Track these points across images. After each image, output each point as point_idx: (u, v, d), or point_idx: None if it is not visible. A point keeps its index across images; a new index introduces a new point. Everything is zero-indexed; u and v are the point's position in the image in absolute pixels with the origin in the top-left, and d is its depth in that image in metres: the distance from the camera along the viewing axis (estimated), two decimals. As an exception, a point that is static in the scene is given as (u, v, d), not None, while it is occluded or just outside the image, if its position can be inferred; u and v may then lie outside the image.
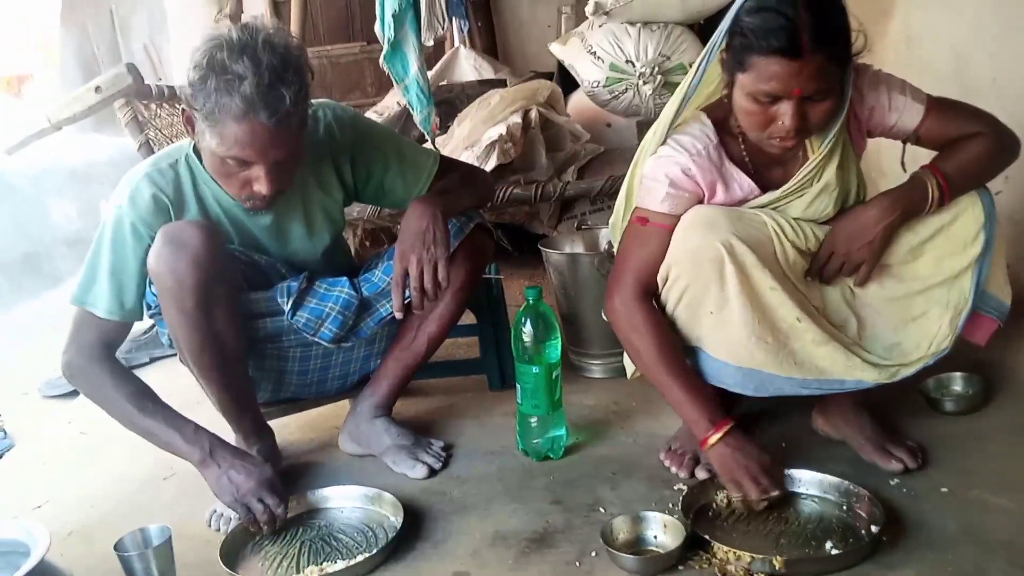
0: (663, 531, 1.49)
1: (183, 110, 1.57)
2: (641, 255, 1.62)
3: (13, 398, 2.72)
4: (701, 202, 1.59)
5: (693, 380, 1.59)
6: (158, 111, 2.70)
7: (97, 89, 2.54)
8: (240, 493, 1.60)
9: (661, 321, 1.62)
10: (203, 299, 1.60)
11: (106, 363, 1.68)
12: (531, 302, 1.79)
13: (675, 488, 1.65)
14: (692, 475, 1.68)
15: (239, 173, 1.56)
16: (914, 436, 1.74)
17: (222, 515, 1.68)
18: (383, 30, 2.45)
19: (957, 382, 1.92)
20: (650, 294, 1.63)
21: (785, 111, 1.43)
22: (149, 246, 1.62)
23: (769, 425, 1.87)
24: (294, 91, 1.49)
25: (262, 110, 1.46)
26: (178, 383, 2.43)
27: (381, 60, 2.52)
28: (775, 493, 1.49)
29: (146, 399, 1.68)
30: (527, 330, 1.77)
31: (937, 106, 1.57)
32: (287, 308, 1.74)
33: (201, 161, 1.66)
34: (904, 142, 1.62)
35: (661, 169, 1.58)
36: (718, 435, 1.53)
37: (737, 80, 1.47)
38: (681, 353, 1.62)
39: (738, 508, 1.54)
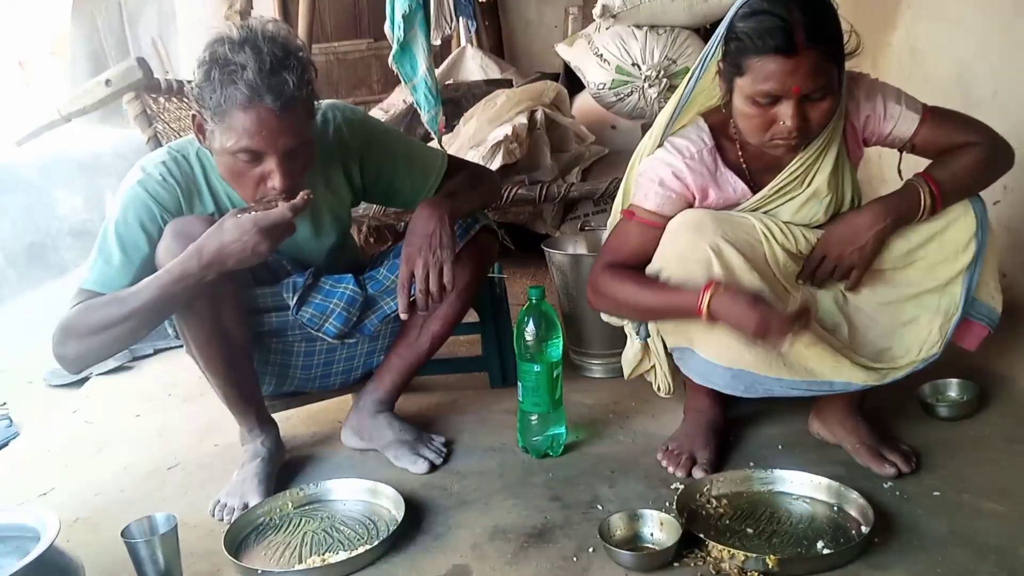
0: (659, 529, 1.51)
1: (193, 116, 1.58)
2: (619, 245, 1.66)
3: (19, 387, 2.74)
4: (691, 205, 1.62)
5: (670, 288, 1.58)
6: (167, 105, 2.72)
7: (107, 83, 2.56)
8: (238, 236, 1.50)
9: (626, 271, 1.64)
10: (210, 293, 1.62)
11: (86, 305, 1.58)
12: (534, 301, 1.81)
13: (672, 487, 1.67)
14: (689, 474, 1.70)
15: (252, 170, 1.56)
16: (908, 441, 1.76)
17: (226, 505, 1.71)
18: (393, 30, 2.47)
19: (952, 388, 1.95)
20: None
21: (785, 111, 1.45)
22: (158, 228, 1.62)
23: (765, 427, 1.89)
24: (297, 75, 1.51)
25: (267, 94, 1.48)
26: (182, 375, 2.47)
27: (390, 60, 2.54)
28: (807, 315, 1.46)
29: (128, 291, 1.56)
30: (529, 329, 1.80)
31: (933, 115, 1.59)
32: (292, 303, 1.77)
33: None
34: (900, 150, 1.65)
35: (654, 168, 1.62)
36: (708, 295, 1.50)
37: (736, 86, 1.49)
38: (652, 280, 1.62)
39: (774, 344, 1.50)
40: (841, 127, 1.59)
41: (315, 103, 1.62)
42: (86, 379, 2.65)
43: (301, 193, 1.54)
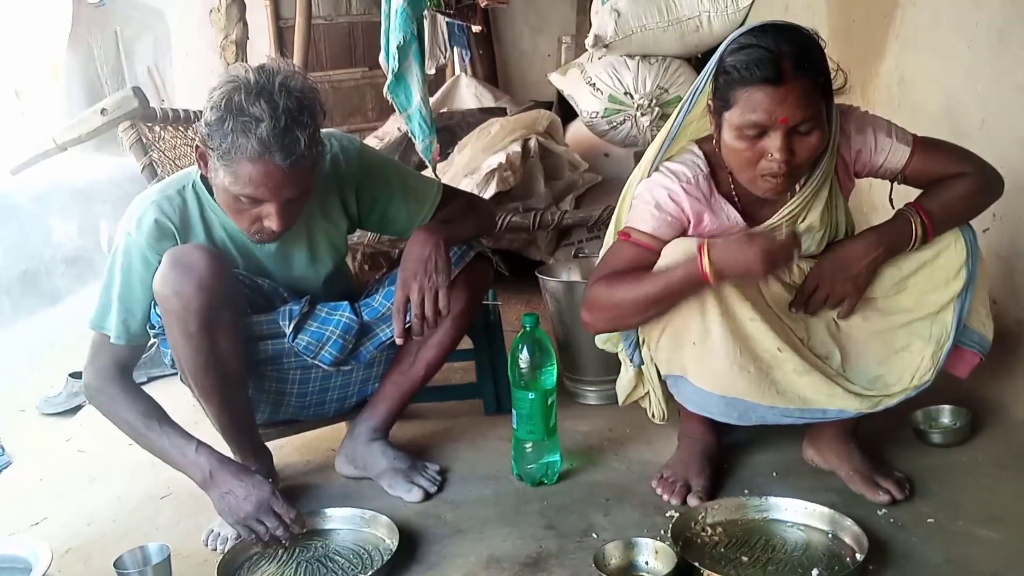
0: (654, 557, 1.51)
1: (196, 147, 1.60)
2: (613, 262, 1.65)
3: (11, 415, 2.73)
4: (685, 230, 1.62)
5: (662, 270, 1.56)
6: (162, 133, 2.74)
7: (103, 111, 2.58)
8: (240, 516, 1.62)
9: (617, 275, 1.61)
10: (207, 322, 1.63)
11: (119, 383, 1.72)
12: (528, 329, 1.82)
13: (667, 515, 1.67)
14: (684, 502, 1.70)
15: (250, 210, 1.59)
16: (902, 467, 1.76)
17: (219, 535, 1.70)
18: (388, 61, 2.50)
19: (945, 415, 1.95)
20: None
21: (773, 144, 1.46)
22: (155, 269, 1.65)
23: (760, 454, 1.89)
24: (309, 134, 1.53)
25: (277, 152, 1.49)
26: (177, 403, 2.44)
27: (385, 90, 2.57)
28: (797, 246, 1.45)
29: (154, 418, 1.71)
30: (524, 356, 1.80)
31: (923, 146, 1.61)
32: (288, 331, 1.77)
33: (208, 189, 1.69)
34: (892, 181, 1.67)
35: (650, 191, 1.63)
36: (705, 255, 1.48)
37: (724, 120, 1.50)
38: (643, 272, 1.59)
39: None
40: (834, 165, 1.60)
41: (323, 151, 1.65)
42: (79, 407, 2.64)
43: (279, 532, 1.63)
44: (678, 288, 1.54)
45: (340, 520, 1.74)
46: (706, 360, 1.59)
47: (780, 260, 1.46)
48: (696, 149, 1.65)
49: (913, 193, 1.64)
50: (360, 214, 1.87)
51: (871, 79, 2.67)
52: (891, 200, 1.68)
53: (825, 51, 1.50)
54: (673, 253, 1.56)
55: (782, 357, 1.57)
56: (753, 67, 1.44)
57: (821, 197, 1.60)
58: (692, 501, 1.69)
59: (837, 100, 1.55)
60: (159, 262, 1.64)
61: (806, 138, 1.47)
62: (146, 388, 2.66)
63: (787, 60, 1.42)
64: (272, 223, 1.59)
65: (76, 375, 2.74)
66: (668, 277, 1.54)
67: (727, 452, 1.88)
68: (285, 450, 2.09)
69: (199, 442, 1.70)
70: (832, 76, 1.50)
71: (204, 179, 1.70)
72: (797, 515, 1.62)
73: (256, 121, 1.49)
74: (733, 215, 1.62)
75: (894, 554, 1.49)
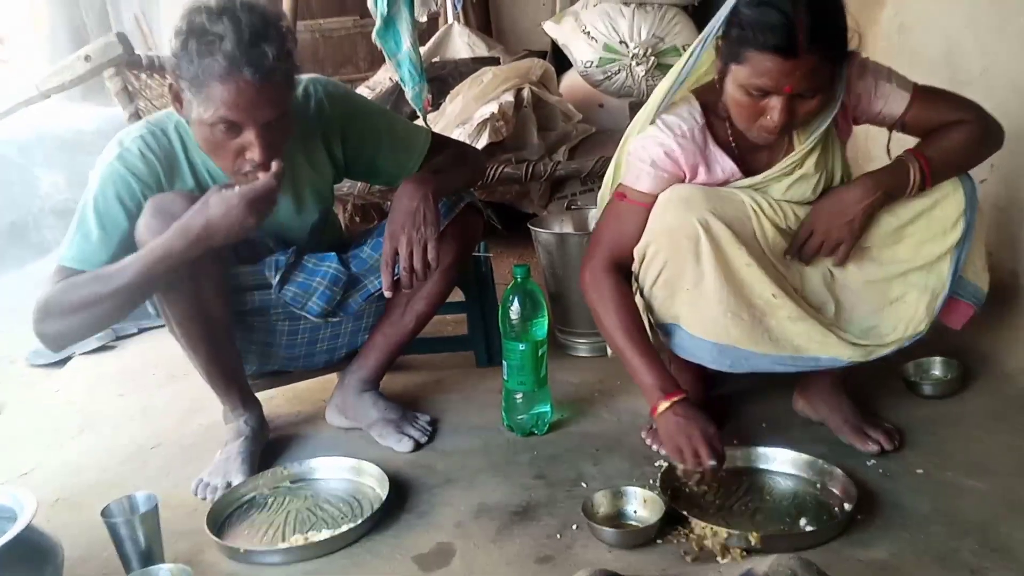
0: (643, 506, 1.51)
1: (170, 85, 1.54)
2: (614, 229, 1.66)
3: (1, 366, 2.72)
4: (681, 181, 1.61)
5: (650, 350, 1.62)
6: (148, 81, 2.68)
7: (87, 58, 2.52)
8: (226, 214, 1.49)
9: (626, 292, 1.65)
10: (191, 270, 1.60)
11: (66, 281, 1.56)
12: (519, 280, 1.80)
13: (655, 464, 1.68)
14: (673, 452, 1.71)
15: (230, 142, 1.53)
16: (892, 419, 1.77)
17: (208, 484, 1.70)
18: (376, 5, 2.44)
19: (936, 366, 1.96)
20: (620, 267, 1.66)
21: (774, 106, 1.46)
22: (138, 204, 1.59)
23: (750, 405, 1.89)
24: (276, 47, 1.48)
25: (245, 66, 1.45)
26: (166, 354, 2.45)
27: (373, 35, 2.51)
28: (710, 463, 1.50)
29: (110, 269, 1.54)
30: (514, 308, 1.79)
31: (922, 94, 1.58)
32: (275, 282, 1.75)
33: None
34: (890, 129, 1.64)
35: (645, 148, 1.61)
36: (667, 404, 1.56)
37: (731, 70, 1.48)
38: (642, 325, 1.65)
39: (682, 477, 1.57)
40: (834, 115, 1.58)
41: (295, 75, 1.59)
42: (68, 359, 2.63)
43: (274, 162, 1.52)
44: (637, 377, 1.61)
45: (330, 469, 1.74)
46: (699, 306, 1.58)
47: (687, 467, 1.53)
48: (693, 100, 1.63)
49: (911, 144, 1.62)
50: (346, 161, 1.83)
51: (870, 26, 2.62)
52: (888, 150, 1.65)
53: (845, 9, 1.45)
54: (669, 200, 1.57)
55: (776, 303, 1.56)
56: (768, 32, 1.40)
57: (818, 146, 1.58)
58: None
59: None
60: (142, 193, 1.59)
61: (807, 101, 1.47)
62: (136, 340, 2.72)
63: (803, 31, 1.38)
64: (253, 153, 1.52)
65: (65, 326, 2.73)
66: (639, 363, 1.60)
67: (717, 403, 1.87)
68: (276, 401, 2.09)
69: None
70: (849, 38, 1.47)
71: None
72: (785, 465, 1.62)
73: (219, 38, 1.44)
74: (729, 166, 1.60)
75: (883, 504, 1.50)
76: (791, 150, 1.59)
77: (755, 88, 1.45)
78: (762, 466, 1.64)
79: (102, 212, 1.59)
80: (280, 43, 1.50)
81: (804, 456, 1.61)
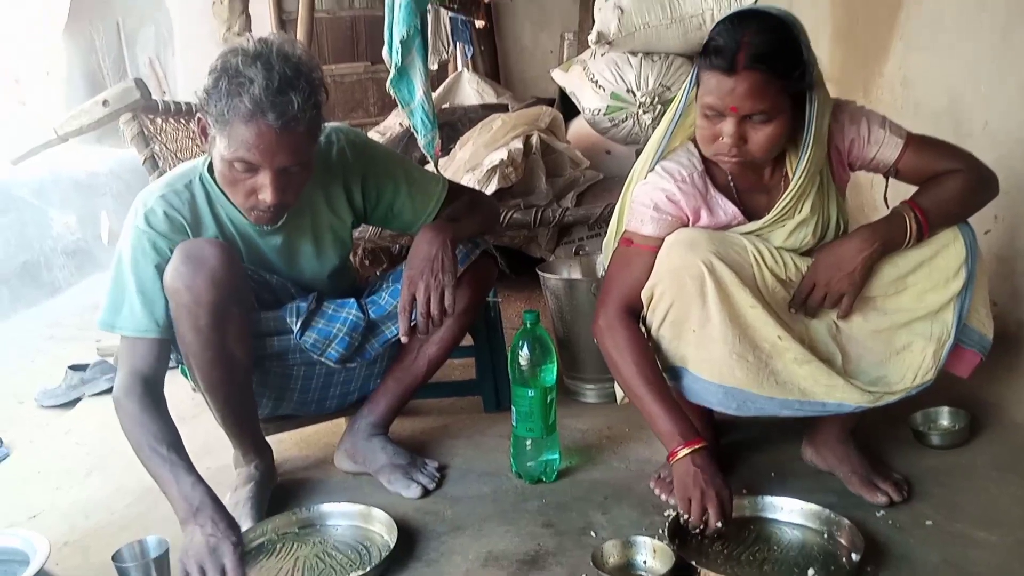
0: (652, 556, 1.51)
1: (198, 119, 1.59)
2: (624, 276, 1.68)
3: (10, 407, 2.73)
4: (685, 226, 1.65)
5: (669, 396, 1.63)
6: (164, 126, 2.73)
7: (104, 103, 2.57)
8: (187, 552, 1.51)
9: (641, 339, 1.67)
10: (218, 317, 1.61)
11: (139, 399, 1.63)
12: (529, 326, 1.82)
13: (665, 514, 1.67)
14: (682, 501, 1.70)
15: (245, 180, 1.56)
16: (901, 469, 1.77)
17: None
18: (391, 55, 2.49)
19: (944, 416, 1.96)
20: (633, 313, 1.68)
21: (726, 128, 1.51)
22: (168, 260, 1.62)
23: (759, 454, 1.89)
24: (303, 97, 1.52)
25: (269, 111, 1.49)
26: (176, 396, 2.44)
27: (388, 84, 2.56)
28: (716, 525, 1.51)
29: (163, 443, 1.61)
30: (524, 353, 1.80)
31: (916, 142, 1.62)
32: (296, 328, 1.77)
33: (215, 180, 1.68)
34: (886, 176, 1.67)
35: (647, 194, 1.65)
36: (687, 451, 1.56)
37: (697, 96, 1.56)
38: (659, 371, 1.66)
39: (683, 524, 1.57)
40: (825, 154, 1.61)
41: (321, 125, 1.63)
42: (78, 400, 2.64)
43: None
44: (655, 425, 1.61)
45: (339, 515, 1.74)
46: (706, 347, 1.59)
47: (693, 519, 1.53)
48: (691, 147, 1.67)
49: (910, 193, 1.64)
50: (366, 208, 1.86)
51: (874, 79, 2.67)
52: (886, 199, 1.68)
53: (803, 44, 1.51)
54: (675, 243, 1.60)
55: (782, 346, 1.57)
56: (712, 53, 1.49)
57: (814, 187, 1.61)
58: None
59: (839, 93, 1.55)
60: (170, 251, 1.63)
61: (760, 127, 1.51)
62: None
63: (745, 51, 1.46)
64: (265, 195, 1.56)
65: (75, 367, 2.74)
66: (657, 409, 1.60)
67: (725, 452, 1.88)
68: (285, 444, 2.10)
69: (200, 478, 1.60)
70: (807, 71, 1.51)
71: (211, 170, 1.69)
72: (794, 515, 1.62)
73: (250, 82, 1.49)
74: (731, 210, 1.64)
75: (892, 556, 1.50)
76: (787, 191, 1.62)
77: (706, 107, 1.52)
78: (771, 516, 1.64)
79: (139, 279, 1.64)
80: (308, 93, 1.53)
81: (813, 506, 1.61)
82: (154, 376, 1.67)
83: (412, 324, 1.73)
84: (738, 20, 1.51)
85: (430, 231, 1.73)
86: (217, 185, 1.68)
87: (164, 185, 1.70)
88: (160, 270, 1.63)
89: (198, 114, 1.59)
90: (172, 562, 1.47)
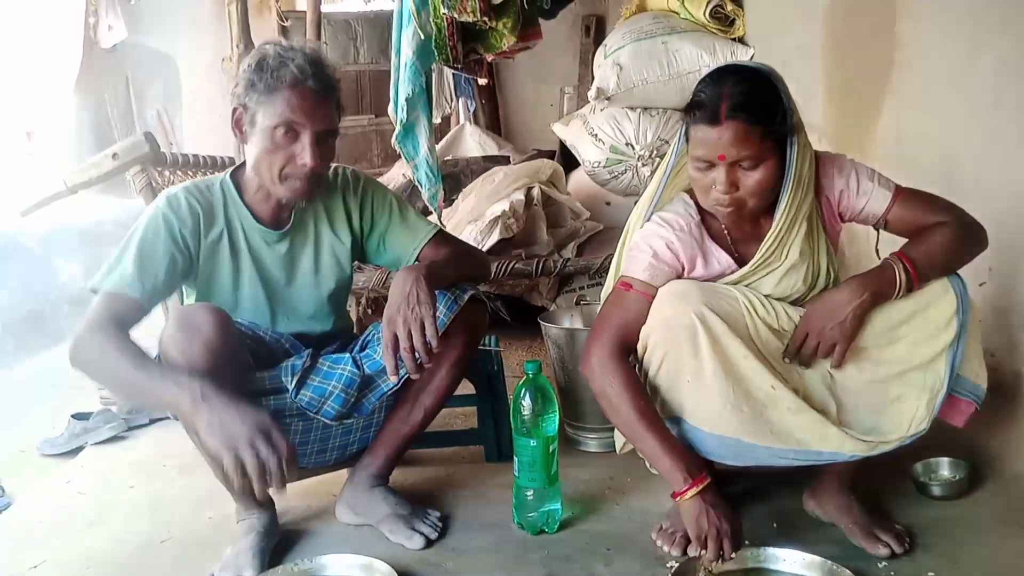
0: (655, 608, 1.51)
1: (234, 109, 1.77)
2: (619, 316, 1.70)
3: (11, 455, 2.73)
4: (680, 276, 1.68)
5: (668, 433, 1.63)
6: (171, 178, 2.78)
7: (114, 156, 2.63)
8: (231, 436, 1.45)
9: (636, 377, 1.68)
10: (213, 381, 1.61)
11: (113, 330, 1.61)
12: (531, 375, 1.84)
13: (668, 566, 1.67)
14: (684, 553, 1.70)
15: (287, 147, 1.73)
16: (902, 520, 1.77)
17: (220, 579, 1.69)
18: (396, 112, 2.56)
19: (944, 467, 1.96)
20: (626, 352, 1.70)
21: (718, 177, 1.57)
22: (177, 243, 1.76)
23: (760, 504, 1.90)
24: (332, 76, 1.78)
25: (311, 79, 1.72)
26: (178, 446, 2.45)
27: (394, 140, 2.62)
28: (731, 557, 1.54)
29: (145, 358, 1.60)
30: (526, 403, 1.81)
31: (905, 194, 1.67)
32: (291, 387, 1.78)
33: (236, 189, 1.83)
34: (876, 228, 1.72)
35: (646, 241, 1.69)
36: (695, 490, 1.57)
37: (688, 151, 1.63)
38: (655, 409, 1.66)
39: (700, 566, 1.58)
40: (811, 199, 1.65)
41: (342, 107, 1.85)
42: (80, 449, 2.64)
43: (272, 463, 1.46)
44: (658, 462, 1.62)
45: (341, 567, 1.73)
46: (700, 397, 1.61)
47: (710, 552, 1.56)
48: (687, 198, 1.72)
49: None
50: (362, 231, 1.95)
51: (868, 135, 2.73)
52: (877, 251, 1.72)
53: (782, 92, 1.58)
54: (667, 295, 1.64)
55: (776, 395, 1.59)
56: (697, 107, 1.57)
57: (798, 231, 1.65)
58: (692, 551, 1.69)
59: (834, 147, 1.60)
60: (182, 235, 1.76)
61: (750, 173, 1.57)
62: (148, 430, 2.73)
63: (727, 103, 1.53)
64: (305, 157, 1.72)
65: (78, 416, 2.75)
66: (659, 448, 1.61)
67: (727, 502, 1.87)
68: (285, 496, 2.09)
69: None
70: (787, 119, 1.58)
71: (233, 177, 1.85)
72: (796, 566, 1.62)
73: (291, 60, 1.72)
74: (725, 259, 1.68)
75: (895, 608, 1.49)
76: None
77: (697, 159, 1.58)
78: (773, 567, 1.63)
79: (141, 248, 1.73)
80: (334, 77, 1.80)
81: (815, 557, 1.61)
82: (126, 324, 1.65)
83: (401, 370, 1.70)
84: (719, 76, 1.59)
85: (403, 271, 1.76)
86: (237, 192, 1.84)
87: (190, 182, 1.85)
88: (163, 243, 1.75)
89: (234, 106, 1.76)
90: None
